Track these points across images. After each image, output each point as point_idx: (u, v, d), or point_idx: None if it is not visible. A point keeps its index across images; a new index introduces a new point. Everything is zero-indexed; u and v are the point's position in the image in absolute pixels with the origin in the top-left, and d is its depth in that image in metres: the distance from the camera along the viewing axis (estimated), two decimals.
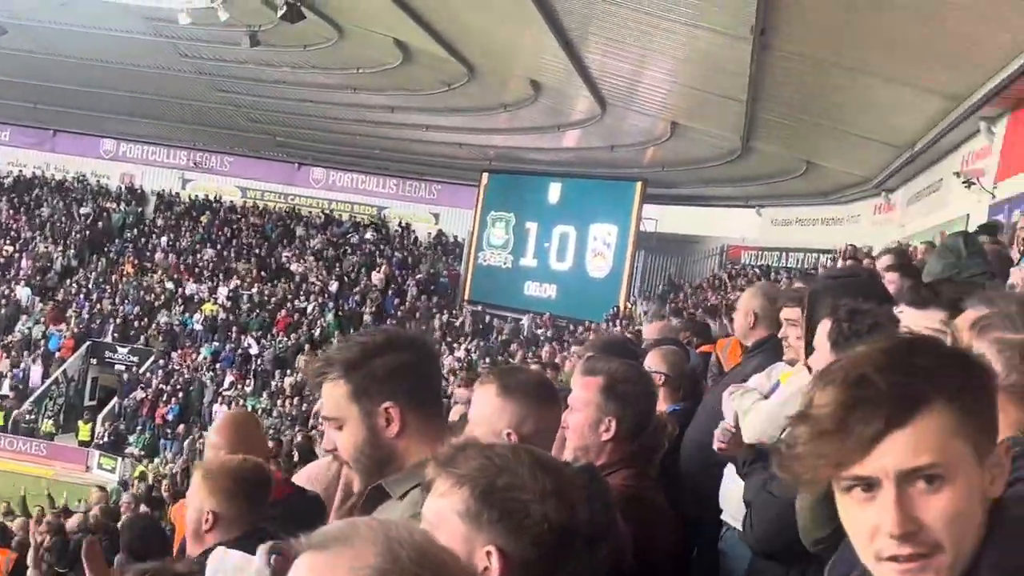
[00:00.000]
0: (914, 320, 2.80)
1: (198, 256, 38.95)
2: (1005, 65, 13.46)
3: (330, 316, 35.48)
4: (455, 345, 32.92)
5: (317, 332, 34.79)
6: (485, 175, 36.96)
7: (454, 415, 5.34)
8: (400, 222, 41.07)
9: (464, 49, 24.12)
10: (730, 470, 4.21)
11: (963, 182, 16.43)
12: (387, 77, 28.57)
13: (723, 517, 4.33)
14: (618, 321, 29.08)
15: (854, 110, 18.68)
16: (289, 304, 36.49)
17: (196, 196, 41.95)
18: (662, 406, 5.59)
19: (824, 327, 3.28)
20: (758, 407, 4.05)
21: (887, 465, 1.39)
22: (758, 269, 27.68)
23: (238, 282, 37.54)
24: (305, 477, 5.89)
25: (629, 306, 31.46)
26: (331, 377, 2.45)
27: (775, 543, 3.47)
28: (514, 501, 1.78)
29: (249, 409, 29.60)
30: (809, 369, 3.58)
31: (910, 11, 13.10)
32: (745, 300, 5.47)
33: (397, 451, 2.43)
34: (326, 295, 36.80)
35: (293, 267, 38.57)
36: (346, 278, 37.83)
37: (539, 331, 32.65)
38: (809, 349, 3.88)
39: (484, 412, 2.94)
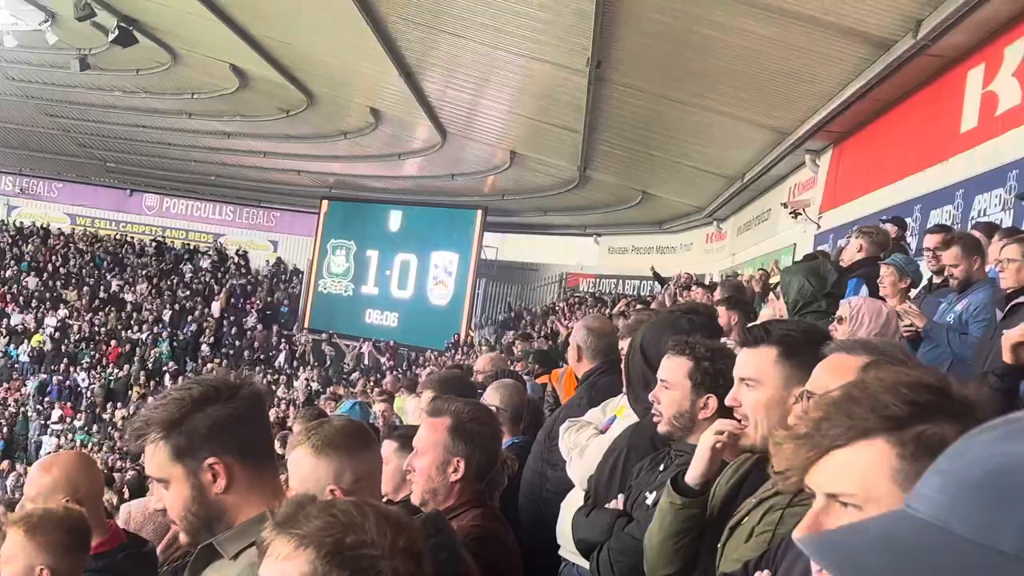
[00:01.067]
0: (747, 359, 2.79)
1: (23, 285, 37.26)
2: (828, 100, 13.98)
3: (164, 346, 34.40)
4: (295, 375, 32.36)
5: (151, 363, 33.68)
6: (325, 202, 36.55)
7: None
8: (238, 250, 40.23)
9: (303, 76, 23.79)
10: (568, 504, 4.16)
11: (790, 213, 16.97)
12: (223, 103, 27.98)
13: (561, 553, 4.27)
14: (459, 348, 29.06)
15: (687, 142, 19.13)
16: (121, 334, 35.22)
17: (22, 223, 40.18)
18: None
19: (679, 364, 3.24)
20: (592, 446, 4.03)
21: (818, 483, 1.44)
22: (590, 297, 28.01)
23: (67, 312, 36.06)
24: (125, 516, 5.56)
25: (471, 334, 31.49)
26: (150, 439, 2.30)
27: None
28: (363, 559, 1.68)
29: (79, 444, 28.41)
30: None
31: (735, 49, 13.47)
32: (573, 334, 5.49)
33: (226, 507, 2.30)
34: (160, 325, 35.68)
35: (125, 296, 37.28)
36: (181, 307, 36.77)
37: (382, 359, 32.37)
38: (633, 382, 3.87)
39: (302, 474, 2.89)
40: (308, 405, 12.49)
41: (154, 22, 23.49)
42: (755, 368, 2.73)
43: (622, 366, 4.37)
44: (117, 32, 22.94)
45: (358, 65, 21.39)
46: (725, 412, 2.95)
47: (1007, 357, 3.73)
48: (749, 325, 3.45)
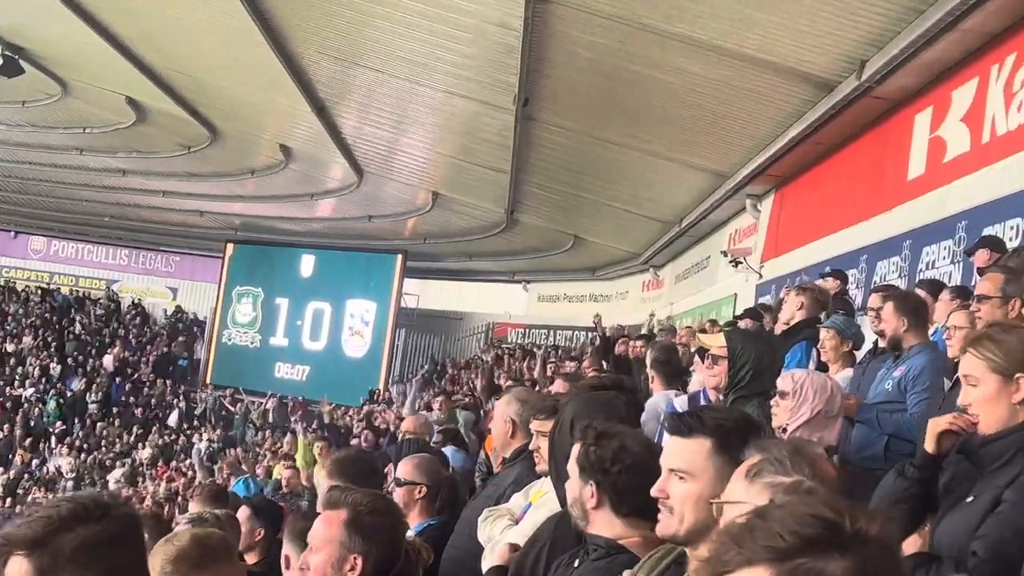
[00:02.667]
0: (678, 449, 2.78)
1: None
2: (769, 143, 14.20)
3: (52, 404, 33.66)
4: (196, 435, 31.82)
5: (35, 422, 32.94)
6: (230, 246, 36.22)
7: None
8: (133, 298, 39.62)
9: (206, 110, 23.62)
10: None
11: (730, 261, 17.13)
12: (118, 137, 27.66)
13: None
14: (376, 404, 28.80)
15: (620, 184, 19.31)
16: (4, 391, 34.42)
17: None
18: (415, 521, 5.46)
19: (574, 451, 3.27)
20: (504, 539, 3.99)
21: None
22: (520, 349, 28.00)
23: None
24: None
25: (389, 390, 31.26)
26: (14, 556, 2.26)
27: None
28: None
29: None
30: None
31: (670, 87, 13.63)
32: (501, 407, 5.43)
33: None
34: (47, 380, 34.93)
35: (7, 348, 36.47)
36: (71, 360, 36.05)
37: (292, 418, 31.90)
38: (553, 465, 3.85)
39: None
40: (210, 482, 12.37)
41: (42, 50, 23.20)
42: (686, 460, 2.75)
43: (540, 443, 4.36)
44: (1, 61, 22.65)
45: (267, 98, 21.31)
46: (616, 501, 3.10)
47: (930, 446, 3.72)
48: (680, 412, 3.44)
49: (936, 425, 3.70)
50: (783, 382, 4.77)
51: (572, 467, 3.27)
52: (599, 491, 3.16)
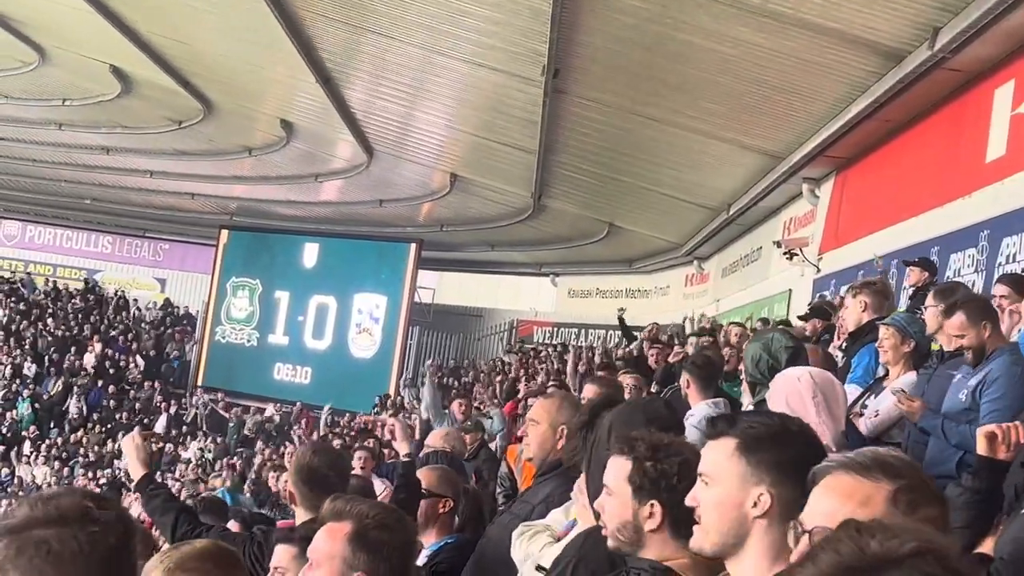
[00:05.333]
0: (706, 452, 2.80)
1: None
2: (830, 120, 14.12)
3: (25, 408, 33.87)
4: (184, 443, 32.00)
5: (7, 428, 33.18)
6: (224, 232, 36.40)
7: None
8: (116, 289, 39.83)
9: (198, 81, 23.72)
10: None
11: (784, 253, 17.05)
12: (101, 111, 27.82)
13: None
14: (387, 412, 28.85)
15: (661, 166, 19.26)
16: None
17: None
18: (431, 539, 5.47)
19: (620, 467, 3.23)
20: (545, 560, 3.98)
21: None
22: (548, 348, 28.01)
23: None
24: None
25: (401, 393, 31.31)
26: None
27: None
28: None
29: None
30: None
31: (720, 59, 13.59)
32: (550, 411, 5.27)
33: None
34: (19, 381, 35.16)
35: None
36: (47, 359, 36.26)
37: (295, 427, 32.03)
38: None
39: None
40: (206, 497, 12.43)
41: (17, 13, 23.34)
42: (711, 462, 2.76)
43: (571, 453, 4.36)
44: None
45: (266, 69, 21.39)
46: (678, 520, 3.00)
47: (980, 448, 3.76)
48: (716, 416, 3.44)
49: (986, 428, 3.75)
50: None
51: (619, 484, 3.23)
52: (664, 510, 3.11)
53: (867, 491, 2.32)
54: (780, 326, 10.88)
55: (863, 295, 7.48)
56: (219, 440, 31.88)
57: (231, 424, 32.79)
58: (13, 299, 38.77)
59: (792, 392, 4.54)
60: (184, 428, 33.75)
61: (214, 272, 36.55)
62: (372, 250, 33.80)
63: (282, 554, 4.22)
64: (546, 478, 5.13)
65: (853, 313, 7.52)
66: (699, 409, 6.82)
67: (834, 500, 2.34)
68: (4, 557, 2.21)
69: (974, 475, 3.74)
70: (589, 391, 7.45)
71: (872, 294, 7.49)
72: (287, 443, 28.08)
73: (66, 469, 31.41)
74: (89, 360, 36.18)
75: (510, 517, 5.04)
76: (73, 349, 36.67)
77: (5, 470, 32.06)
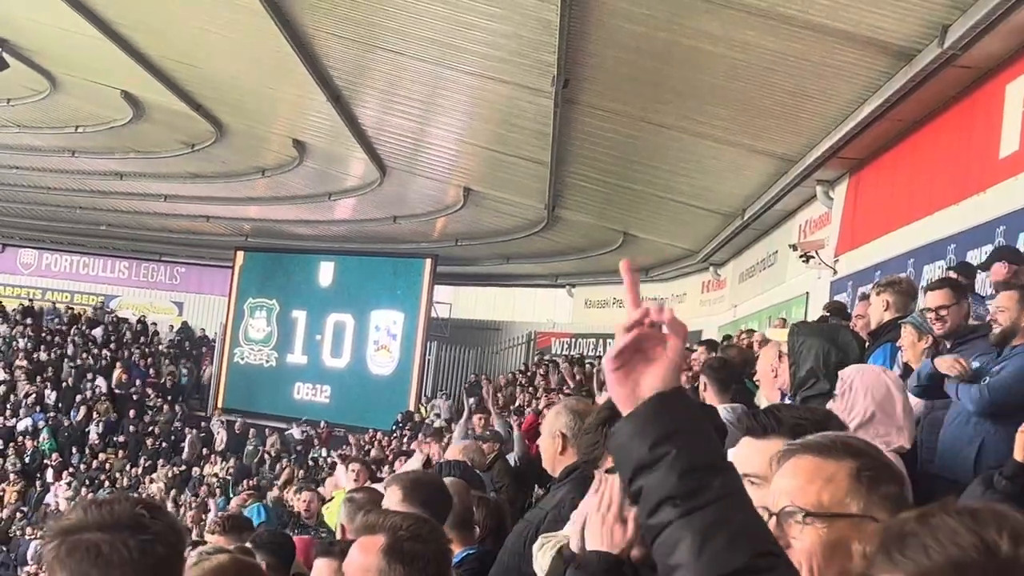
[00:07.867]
0: (751, 452, 2.79)
1: None
2: (841, 122, 14.10)
3: (46, 435, 33.93)
4: (206, 464, 32.02)
5: (29, 457, 33.25)
6: (240, 254, 36.48)
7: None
8: (134, 314, 39.94)
9: (210, 104, 23.77)
10: None
11: (800, 256, 17.05)
12: (114, 137, 27.89)
13: None
14: (409, 428, 28.86)
15: (674, 173, 19.24)
16: None
17: None
18: (455, 550, 5.47)
19: None
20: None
21: None
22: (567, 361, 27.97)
23: None
24: None
25: (422, 408, 31.32)
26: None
27: None
28: None
29: None
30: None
31: (729, 63, 13.58)
32: (550, 420, 5.38)
33: None
34: (41, 408, 35.24)
35: None
36: (67, 386, 36.32)
37: (315, 446, 32.06)
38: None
39: None
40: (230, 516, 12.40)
41: (28, 42, 23.43)
42: (760, 464, 2.72)
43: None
44: None
45: (277, 89, 21.42)
46: None
47: (1019, 455, 3.71)
48: (756, 411, 3.42)
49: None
50: (838, 383, 4.71)
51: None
52: None
53: (831, 469, 2.33)
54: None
55: (886, 294, 7.48)
56: (237, 460, 31.92)
57: (249, 447, 32.83)
58: (33, 328, 38.83)
59: (877, 385, 4.48)
60: (203, 450, 33.74)
61: (231, 294, 36.63)
62: (387, 267, 33.84)
63: (323, 568, 4.22)
64: (562, 484, 5.17)
65: (876, 311, 7.53)
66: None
67: (800, 479, 2.36)
68: (54, 557, 2.27)
69: (1010, 478, 3.70)
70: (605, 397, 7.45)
71: (896, 293, 7.49)
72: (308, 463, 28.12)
73: (90, 495, 31.45)
74: (108, 385, 36.24)
75: (524, 524, 5.06)
76: (93, 375, 36.75)
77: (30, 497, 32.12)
